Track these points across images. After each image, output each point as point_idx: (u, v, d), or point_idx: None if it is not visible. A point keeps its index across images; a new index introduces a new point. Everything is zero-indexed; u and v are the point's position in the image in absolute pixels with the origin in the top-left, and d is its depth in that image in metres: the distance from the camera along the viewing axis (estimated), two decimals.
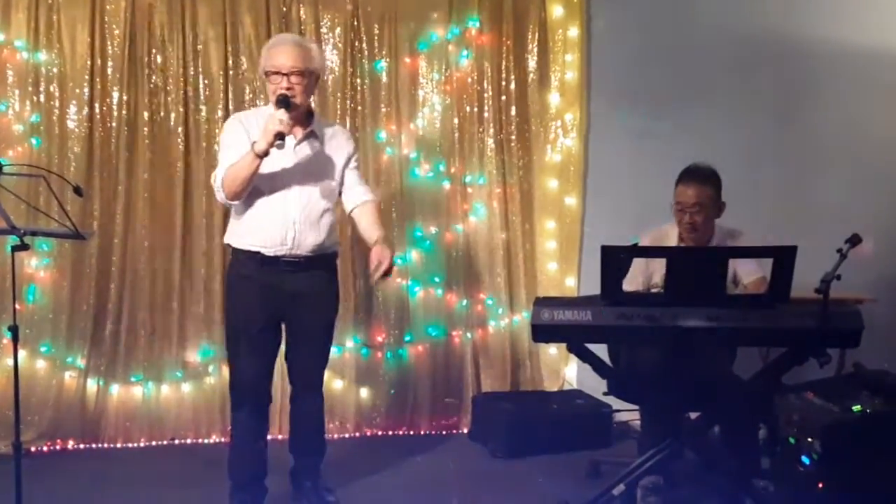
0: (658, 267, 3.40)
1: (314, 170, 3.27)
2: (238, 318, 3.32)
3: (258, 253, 3.23)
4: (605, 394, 3.95)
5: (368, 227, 3.29)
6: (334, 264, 3.44)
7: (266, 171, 3.16)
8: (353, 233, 4.48)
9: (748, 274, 3.39)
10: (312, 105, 3.38)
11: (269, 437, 3.53)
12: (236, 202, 3.21)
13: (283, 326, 3.37)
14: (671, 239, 3.51)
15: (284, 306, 3.29)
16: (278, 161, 3.18)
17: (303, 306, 3.30)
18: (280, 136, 2.99)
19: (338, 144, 3.36)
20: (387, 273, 3.11)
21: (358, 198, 3.36)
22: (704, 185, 3.41)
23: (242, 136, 3.17)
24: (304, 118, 3.27)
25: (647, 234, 3.57)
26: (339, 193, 3.38)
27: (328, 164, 3.31)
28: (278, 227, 3.20)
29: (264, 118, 3.09)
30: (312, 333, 3.39)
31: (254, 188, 3.18)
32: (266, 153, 3.02)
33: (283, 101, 3.07)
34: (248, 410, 3.33)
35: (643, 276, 3.45)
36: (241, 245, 3.27)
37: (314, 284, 3.30)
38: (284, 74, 3.13)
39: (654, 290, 3.42)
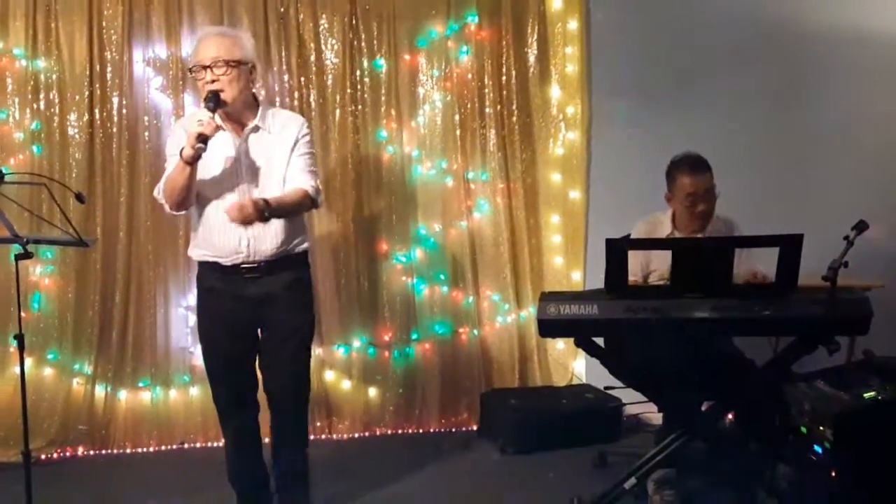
0: (655, 254, 3.39)
1: (262, 166, 3.05)
2: (208, 332, 3.19)
3: (216, 263, 3.08)
4: (606, 388, 3.95)
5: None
6: (302, 263, 3.21)
7: (211, 175, 3.01)
8: (357, 229, 4.50)
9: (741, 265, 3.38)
10: (261, 96, 3.16)
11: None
12: (183, 212, 3.10)
13: (258, 334, 3.20)
14: (665, 227, 3.51)
15: (250, 315, 3.11)
16: (223, 163, 3.01)
17: (267, 313, 3.12)
18: (202, 139, 2.79)
19: (288, 133, 3.10)
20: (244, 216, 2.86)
21: (291, 186, 3.06)
22: (707, 171, 3.41)
23: (184, 142, 2.90)
24: (245, 113, 3.06)
25: (640, 225, 3.56)
26: None
27: (277, 157, 3.06)
28: (230, 234, 3.01)
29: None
30: (278, 341, 3.15)
31: (202, 195, 3.03)
32: (194, 158, 2.83)
33: (211, 99, 2.87)
34: (236, 424, 3.24)
35: (640, 265, 3.43)
36: (200, 257, 3.13)
37: (277, 288, 3.10)
38: (207, 67, 2.92)
39: (658, 281, 3.40)
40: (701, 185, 3.39)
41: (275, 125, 3.11)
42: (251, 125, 3.06)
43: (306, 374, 3.27)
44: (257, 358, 3.23)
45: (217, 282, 3.11)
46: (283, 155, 3.08)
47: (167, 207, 3.07)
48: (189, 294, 4.33)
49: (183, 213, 3.12)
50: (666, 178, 3.50)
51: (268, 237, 3.05)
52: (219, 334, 3.16)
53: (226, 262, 3.07)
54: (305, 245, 3.21)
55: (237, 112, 3.04)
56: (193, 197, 3.02)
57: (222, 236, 3.04)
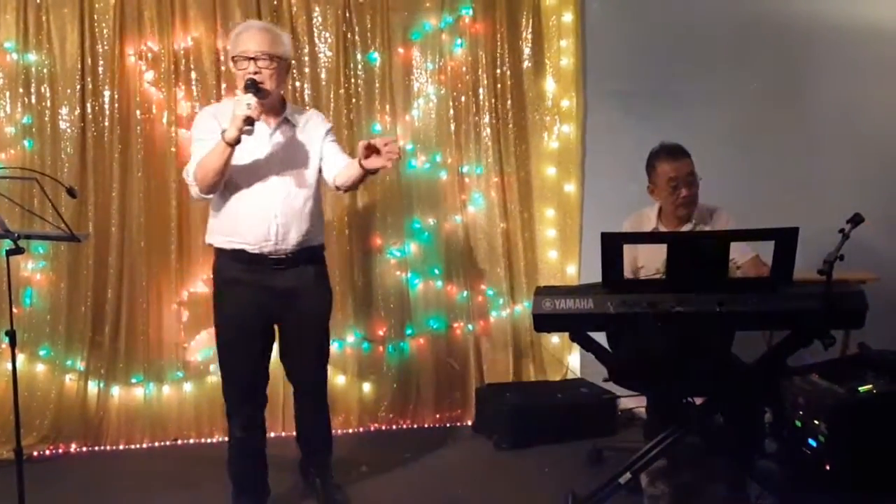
0: (642, 250, 3.39)
1: (292, 158, 3.17)
2: (228, 325, 3.21)
3: (242, 251, 3.13)
4: (605, 380, 3.94)
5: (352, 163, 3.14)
6: (322, 257, 3.34)
7: (242, 164, 3.08)
8: (351, 223, 4.47)
9: (742, 255, 3.38)
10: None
11: (273, 433, 3.50)
12: (210, 196, 3.12)
13: (275, 327, 3.29)
14: (651, 221, 3.51)
15: (275, 307, 3.19)
16: (254, 152, 3.10)
17: (295, 305, 3.21)
18: (249, 122, 2.87)
19: (313, 127, 3.26)
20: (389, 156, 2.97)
21: (341, 162, 3.22)
22: (686, 156, 3.44)
23: (213, 127, 3.04)
24: (276, 107, 3.18)
25: (626, 222, 3.58)
26: (320, 171, 3.26)
27: (306, 150, 3.21)
28: (260, 221, 3.10)
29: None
30: (307, 333, 3.29)
31: (230, 182, 3.09)
32: (237, 141, 2.91)
33: (252, 86, 2.96)
34: (245, 417, 3.26)
35: (629, 262, 3.43)
36: (224, 244, 3.16)
37: (304, 282, 3.21)
38: (251, 59, 3.03)
39: (654, 275, 3.39)
40: (681, 169, 3.41)
41: (300, 119, 3.25)
42: (282, 117, 3.18)
43: (327, 362, 3.46)
44: (270, 352, 3.32)
45: (241, 272, 3.15)
46: (314, 147, 3.22)
47: (196, 191, 3.09)
48: (182, 290, 4.32)
49: (210, 197, 3.13)
50: (646, 171, 3.52)
51: (294, 226, 3.13)
52: (239, 326, 3.18)
53: (253, 249, 3.12)
54: (322, 238, 3.32)
55: (270, 104, 3.12)
56: (223, 181, 3.07)
57: (251, 223, 3.10)
